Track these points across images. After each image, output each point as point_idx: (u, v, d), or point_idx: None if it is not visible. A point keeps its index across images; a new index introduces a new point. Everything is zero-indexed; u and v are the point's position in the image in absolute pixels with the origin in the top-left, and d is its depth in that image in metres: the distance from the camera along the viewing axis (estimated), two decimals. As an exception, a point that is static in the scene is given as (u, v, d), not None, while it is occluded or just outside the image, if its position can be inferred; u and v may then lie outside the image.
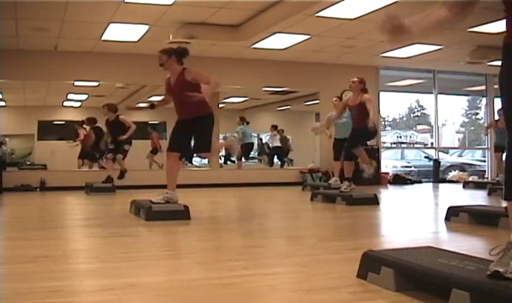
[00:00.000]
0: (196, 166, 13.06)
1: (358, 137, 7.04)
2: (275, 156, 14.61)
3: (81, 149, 11.93)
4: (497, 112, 10.86)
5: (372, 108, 6.78)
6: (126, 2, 7.15)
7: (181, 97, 5.12)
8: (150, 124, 13.64)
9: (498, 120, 10.60)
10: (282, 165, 14.11)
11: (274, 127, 14.67)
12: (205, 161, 15.62)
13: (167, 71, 5.25)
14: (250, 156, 14.31)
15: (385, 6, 7.29)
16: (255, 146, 15.84)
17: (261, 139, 18.15)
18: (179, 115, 5.22)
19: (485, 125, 13.58)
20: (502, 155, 10.38)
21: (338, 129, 8.55)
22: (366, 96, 6.90)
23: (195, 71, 5.14)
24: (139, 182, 9.39)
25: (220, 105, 13.48)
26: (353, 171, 7.17)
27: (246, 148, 13.49)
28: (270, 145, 15.17)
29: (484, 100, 13.64)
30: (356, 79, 7.03)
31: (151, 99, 13.80)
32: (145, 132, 13.45)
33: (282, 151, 14.44)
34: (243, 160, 13.29)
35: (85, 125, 11.58)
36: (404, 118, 34.26)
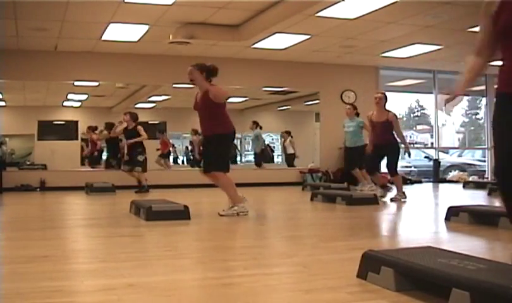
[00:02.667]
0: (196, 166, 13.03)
1: (396, 156, 7.11)
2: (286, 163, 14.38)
3: (90, 154, 11.92)
4: None
5: (399, 129, 7.11)
6: (126, 2, 7.15)
7: (203, 114, 5.31)
8: (154, 124, 13.51)
9: None
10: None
11: (288, 133, 14.07)
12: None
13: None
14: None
15: (385, 6, 7.29)
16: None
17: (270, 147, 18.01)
18: (202, 131, 5.48)
19: (485, 125, 13.61)
20: None
21: (347, 138, 8.94)
22: (391, 113, 7.06)
23: (215, 87, 5.21)
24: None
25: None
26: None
27: (262, 154, 13.34)
28: (286, 152, 14.90)
29: (484, 100, 13.64)
30: (380, 94, 7.18)
31: (151, 99, 13.84)
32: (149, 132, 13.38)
33: (293, 159, 14.16)
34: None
35: (96, 131, 11.50)
36: (404, 118, 34.25)
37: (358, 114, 8.88)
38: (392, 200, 6.98)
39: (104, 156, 11.72)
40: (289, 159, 13.78)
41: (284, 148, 14.33)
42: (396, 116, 7.10)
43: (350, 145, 8.83)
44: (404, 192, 7.10)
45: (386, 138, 7.02)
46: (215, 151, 5.28)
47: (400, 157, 7.30)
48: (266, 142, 17.94)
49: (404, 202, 6.92)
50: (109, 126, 10.15)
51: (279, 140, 15.54)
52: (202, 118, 5.36)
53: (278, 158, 15.71)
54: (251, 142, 13.32)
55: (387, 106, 7.17)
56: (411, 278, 2.23)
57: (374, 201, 6.52)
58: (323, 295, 2.28)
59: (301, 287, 2.44)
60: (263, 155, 13.46)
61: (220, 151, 5.30)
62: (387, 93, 7.42)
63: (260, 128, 13.33)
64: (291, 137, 13.98)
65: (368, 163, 7.52)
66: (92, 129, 11.94)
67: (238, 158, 15.39)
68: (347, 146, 8.96)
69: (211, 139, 5.29)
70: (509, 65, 2.27)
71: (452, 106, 2.60)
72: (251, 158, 15.25)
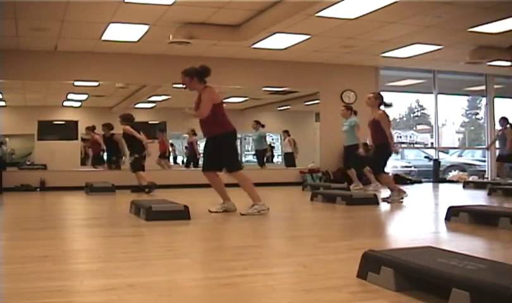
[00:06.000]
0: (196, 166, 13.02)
1: (383, 154, 6.94)
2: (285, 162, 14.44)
3: (92, 155, 11.92)
4: (499, 121, 10.96)
5: (387, 129, 6.79)
6: (126, 2, 7.15)
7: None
8: (155, 124, 13.50)
9: (500, 130, 10.78)
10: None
11: (287, 133, 14.29)
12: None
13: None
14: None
15: (385, 6, 7.29)
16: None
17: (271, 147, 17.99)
18: (204, 133, 5.53)
19: (485, 125, 13.63)
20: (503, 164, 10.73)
21: (343, 137, 9.16)
22: (379, 112, 6.86)
23: (206, 96, 5.25)
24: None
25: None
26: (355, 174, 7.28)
27: (262, 154, 13.32)
28: (283, 151, 14.95)
29: (484, 100, 13.64)
30: (371, 95, 6.99)
31: (151, 99, 13.84)
32: (148, 132, 13.35)
33: (292, 158, 14.22)
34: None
35: (96, 131, 11.52)
36: (404, 119, 34.29)
37: (355, 113, 8.98)
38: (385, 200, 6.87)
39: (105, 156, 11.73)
40: (287, 158, 13.85)
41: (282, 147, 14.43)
42: (385, 114, 6.85)
43: (344, 144, 9.07)
44: (376, 189, 7.17)
45: (374, 138, 6.94)
46: (226, 151, 5.37)
47: (389, 158, 7.09)
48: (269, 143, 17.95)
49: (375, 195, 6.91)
50: (108, 127, 10.17)
51: (279, 140, 15.56)
52: (201, 119, 5.40)
53: (278, 157, 15.73)
54: (254, 142, 13.26)
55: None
56: (411, 278, 2.23)
57: (374, 201, 6.52)
58: (324, 295, 2.28)
59: (301, 287, 2.43)
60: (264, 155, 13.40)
61: (230, 150, 5.41)
62: (388, 93, 7.36)
63: (263, 126, 13.25)
64: (289, 136, 14.03)
65: (371, 165, 7.49)
66: (91, 129, 11.92)
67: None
68: (344, 145, 9.19)
69: (214, 139, 5.36)
70: None
71: None
72: (250, 158, 15.27)
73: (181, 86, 5.60)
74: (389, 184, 7.03)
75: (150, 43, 9.35)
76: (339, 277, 2.57)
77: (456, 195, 8.83)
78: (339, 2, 7.16)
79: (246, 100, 15.70)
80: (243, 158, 15.76)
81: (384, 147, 6.86)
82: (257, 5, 7.53)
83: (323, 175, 11.32)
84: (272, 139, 15.87)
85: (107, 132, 10.25)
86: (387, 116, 6.90)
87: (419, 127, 31.61)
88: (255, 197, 5.38)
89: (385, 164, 7.03)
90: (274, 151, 16.10)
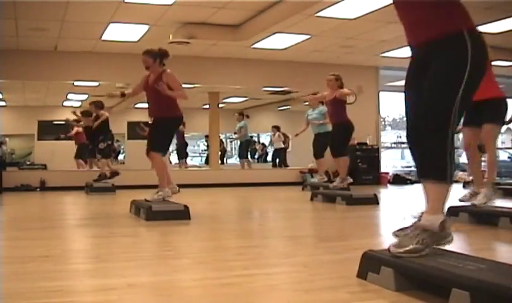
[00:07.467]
0: (196, 166, 13.02)
1: (341, 134, 6.96)
2: (277, 159, 14.49)
3: (76, 148, 11.83)
4: None
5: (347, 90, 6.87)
6: (126, 2, 7.16)
7: (154, 96, 5.42)
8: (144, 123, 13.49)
9: None
10: (280, 166, 14.09)
11: (277, 128, 14.40)
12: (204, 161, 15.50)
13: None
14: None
15: (385, 6, 7.29)
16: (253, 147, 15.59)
17: (255, 141, 18.00)
18: (150, 112, 5.57)
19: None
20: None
21: (312, 125, 8.90)
22: (339, 90, 6.88)
23: (172, 76, 5.39)
24: (139, 182, 9.38)
25: (221, 105, 13.49)
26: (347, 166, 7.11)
27: (246, 145, 13.24)
28: (273, 147, 15.01)
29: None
30: (331, 77, 7.01)
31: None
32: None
33: (284, 153, 14.30)
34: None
35: (81, 123, 11.39)
36: (404, 119, 34.27)
37: (322, 103, 8.78)
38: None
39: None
40: (278, 154, 13.86)
41: (272, 143, 14.46)
42: (348, 92, 6.88)
43: (315, 132, 8.76)
44: (346, 178, 6.96)
45: (333, 118, 7.03)
46: (158, 133, 5.39)
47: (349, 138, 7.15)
48: (262, 142, 17.97)
49: (346, 188, 6.93)
50: (86, 113, 9.68)
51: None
52: (151, 100, 5.51)
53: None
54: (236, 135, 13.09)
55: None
56: (411, 278, 2.23)
57: (374, 201, 6.52)
58: (323, 294, 2.28)
59: (301, 287, 2.43)
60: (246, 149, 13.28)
61: (163, 133, 5.43)
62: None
63: (247, 117, 12.94)
64: (279, 131, 14.04)
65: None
66: (77, 121, 11.72)
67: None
68: (314, 133, 8.84)
69: (157, 121, 5.40)
70: None
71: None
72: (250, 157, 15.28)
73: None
74: (343, 169, 6.99)
75: (150, 43, 9.26)
76: (339, 277, 2.56)
77: (456, 195, 8.82)
78: (339, 2, 7.17)
79: (246, 100, 15.72)
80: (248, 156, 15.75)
81: (343, 127, 6.89)
82: (257, 5, 7.54)
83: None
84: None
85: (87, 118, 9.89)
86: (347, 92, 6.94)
87: (419, 127, 31.55)
88: (162, 184, 5.36)
89: (345, 145, 7.05)
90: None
